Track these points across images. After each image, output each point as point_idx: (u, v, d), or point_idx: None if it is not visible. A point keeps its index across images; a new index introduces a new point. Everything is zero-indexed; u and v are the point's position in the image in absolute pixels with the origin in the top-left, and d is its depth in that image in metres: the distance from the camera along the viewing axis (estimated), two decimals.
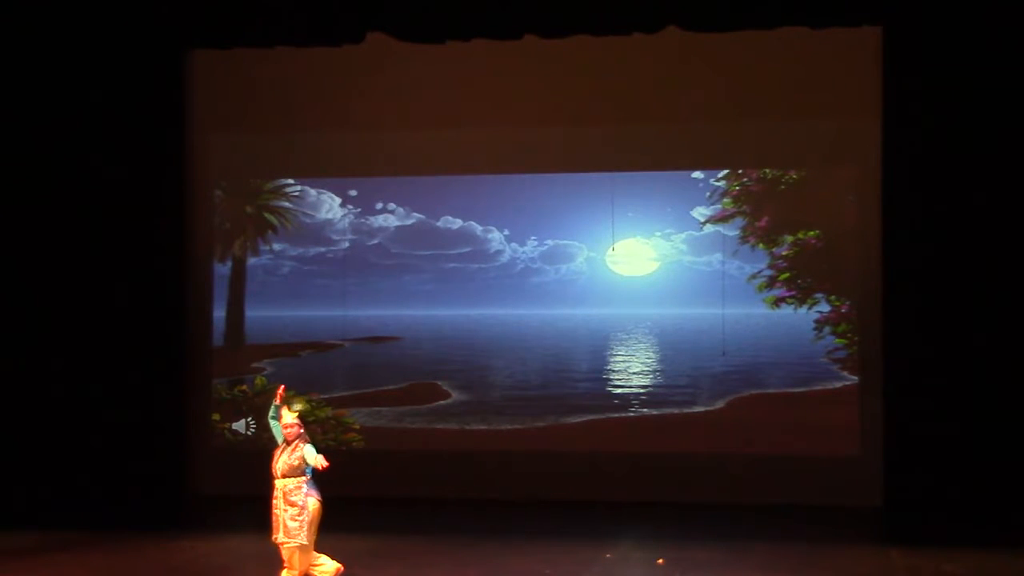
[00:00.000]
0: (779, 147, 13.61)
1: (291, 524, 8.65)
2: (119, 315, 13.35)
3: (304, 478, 8.69)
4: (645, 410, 13.83)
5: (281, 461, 8.68)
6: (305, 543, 8.69)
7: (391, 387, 14.31)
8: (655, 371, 14.00)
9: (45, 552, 10.76)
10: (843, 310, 13.48)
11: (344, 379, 14.36)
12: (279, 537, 8.70)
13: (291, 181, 14.58)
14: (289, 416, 8.70)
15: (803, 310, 13.55)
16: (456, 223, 14.37)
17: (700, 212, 13.84)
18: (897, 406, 12.41)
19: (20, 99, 13.37)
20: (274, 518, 8.71)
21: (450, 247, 14.36)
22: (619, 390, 13.95)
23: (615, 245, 14.03)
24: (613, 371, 14.07)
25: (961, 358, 12.19)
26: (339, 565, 8.97)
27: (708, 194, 13.81)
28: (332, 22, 12.68)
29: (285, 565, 8.79)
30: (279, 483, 8.68)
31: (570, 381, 14.13)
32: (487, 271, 14.32)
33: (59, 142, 13.37)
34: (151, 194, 13.44)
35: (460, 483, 13.64)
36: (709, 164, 13.75)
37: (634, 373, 14.03)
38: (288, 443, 8.70)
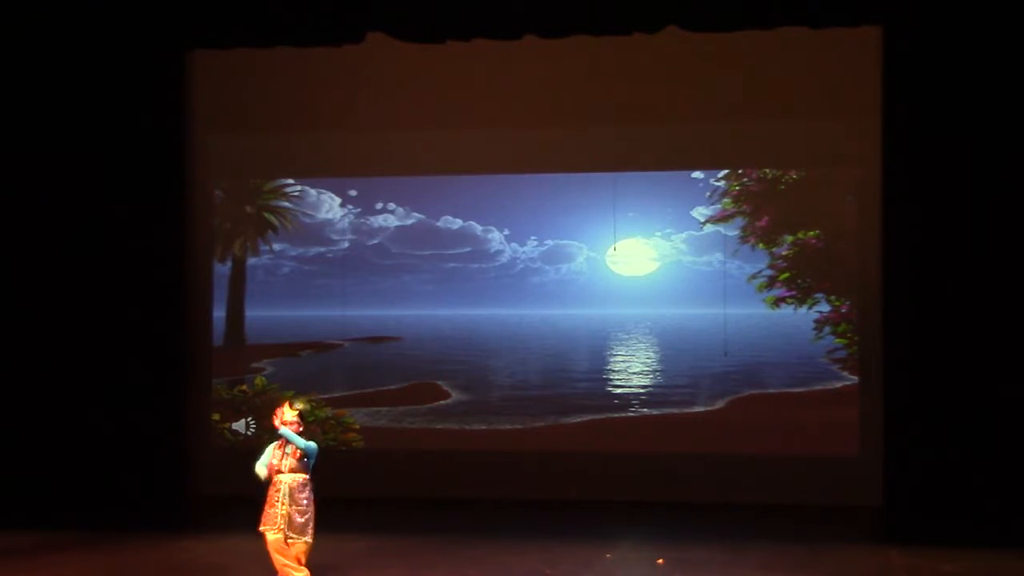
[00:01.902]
0: (779, 147, 13.61)
1: (299, 520, 8.73)
2: (119, 315, 13.35)
3: (307, 474, 8.76)
4: (645, 410, 13.83)
5: (287, 457, 8.76)
6: (310, 541, 8.77)
7: (391, 387, 14.31)
8: (655, 371, 14.00)
9: (45, 552, 10.76)
10: (843, 310, 13.48)
11: (344, 379, 14.36)
12: (288, 534, 8.74)
13: (291, 181, 14.58)
14: (290, 414, 8.78)
15: (803, 310, 13.55)
16: (456, 223, 14.36)
17: (700, 212, 13.84)
18: (897, 406, 12.40)
19: (20, 99, 13.36)
20: (271, 513, 8.75)
21: (450, 247, 14.36)
22: (619, 390, 13.95)
23: (615, 245, 14.03)
24: (613, 371, 14.07)
25: (961, 358, 12.19)
26: None
27: (708, 194, 13.81)
28: (332, 22, 12.68)
29: (300, 561, 8.84)
30: (285, 478, 8.74)
31: (570, 381, 14.13)
32: (487, 271, 14.32)
33: (59, 142, 13.37)
34: (151, 194, 13.44)
35: (460, 483, 13.63)
36: (709, 164, 13.75)
37: (634, 373, 14.03)
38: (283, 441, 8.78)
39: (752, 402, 13.66)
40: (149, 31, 13.09)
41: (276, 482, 8.79)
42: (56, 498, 12.94)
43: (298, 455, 8.76)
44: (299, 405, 8.93)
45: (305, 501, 8.75)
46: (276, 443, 8.85)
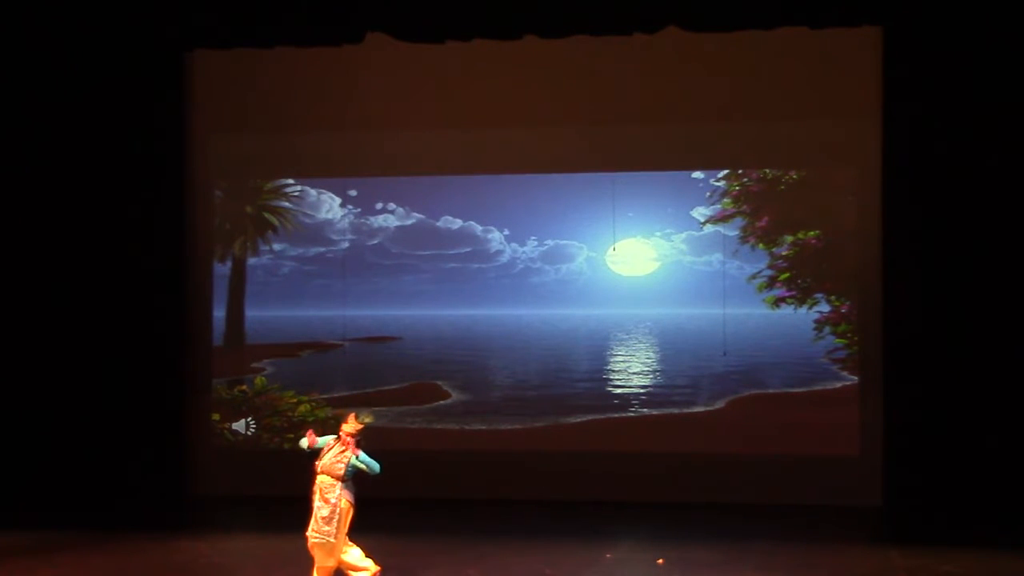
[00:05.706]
0: (779, 147, 13.61)
1: (321, 520, 8.84)
2: (119, 315, 13.36)
3: (339, 479, 8.86)
4: (645, 410, 13.82)
5: (326, 458, 8.94)
6: (332, 541, 8.86)
7: (391, 387, 14.31)
8: (655, 371, 13.99)
9: (45, 552, 10.76)
10: (843, 310, 13.47)
11: (344, 379, 14.35)
12: (308, 531, 8.88)
13: (291, 181, 14.58)
14: (351, 426, 8.92)
15: (803, 310, 13.55)
16: (456, 223, 14.36)
17: (700, 212, 13.83)
18: (897, 406, 12.42)
19: (20, 99, 13.38)
20: (310, 512, 8.88)
21: (450, 247, 14.35)
22: (619, 390, 13.95)
23: (615, 245, 14.03)
24: (613, 371, 14.07)
25: (961, 358, 12.20)
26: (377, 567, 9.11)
27: (708, 194, 13.81)
28: (332, 22, 12.69)
29: (315, 563, 8.93)
30: (319, 479, 8.88)
31: (570, 381, 14.12)
32: (487, 271, 14.32)
33: (59, 142, 13.38)
34: (151, 194, 13.45)
35: (460, 483, 13.63)
36: (709, 164, 13.74)
37: (634, 373, 14.02)
38: (341, 444, 8.95)
39: (752, 402, 13.65)
40: (149, 31, 13.10)
41: (313, 480, 8.92)
42: (56, 498, 12.95)
43: (341, 467, 8.85)
44: (366, 419, 9.09)
45: (331, 502, 8.86)
46: (334, 438, 8.99)
